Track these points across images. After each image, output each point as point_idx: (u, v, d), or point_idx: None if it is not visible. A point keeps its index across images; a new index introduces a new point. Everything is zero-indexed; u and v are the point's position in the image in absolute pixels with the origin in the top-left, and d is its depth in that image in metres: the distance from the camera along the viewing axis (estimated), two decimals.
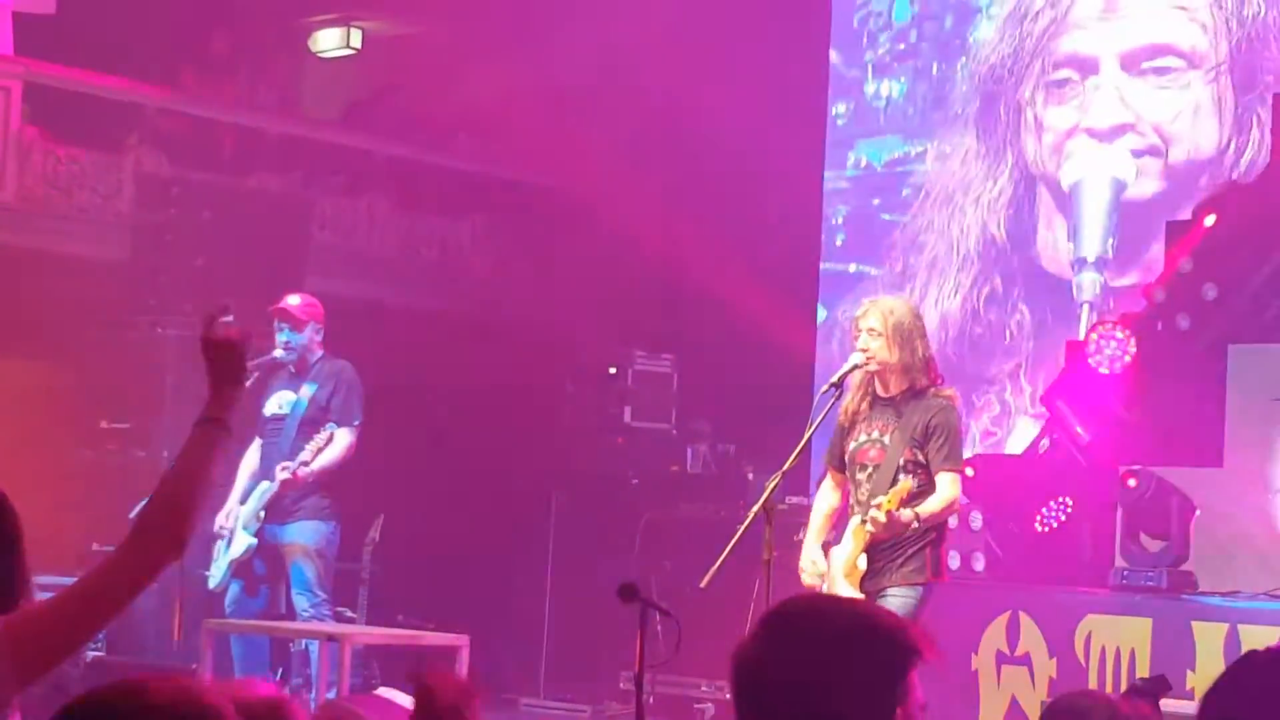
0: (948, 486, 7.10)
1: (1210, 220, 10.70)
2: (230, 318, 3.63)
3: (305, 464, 9.02)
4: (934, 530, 7.15)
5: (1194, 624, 8.82)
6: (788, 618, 2.60)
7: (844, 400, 7.37)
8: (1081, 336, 11.06)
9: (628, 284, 12.47)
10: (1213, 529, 9.87)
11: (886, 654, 2.54)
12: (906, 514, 6.93)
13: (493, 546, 11.93)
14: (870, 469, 7.17)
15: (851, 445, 7.28)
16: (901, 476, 7.05)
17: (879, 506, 6.91)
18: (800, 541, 8.38)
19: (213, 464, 3.38)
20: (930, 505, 7.03)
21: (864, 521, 6.99)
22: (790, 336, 12.39)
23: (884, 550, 7.06)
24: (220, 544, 9.15)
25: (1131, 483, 9.69)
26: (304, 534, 9.09)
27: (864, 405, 7.27)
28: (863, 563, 7.02)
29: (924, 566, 7.12)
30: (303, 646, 9.12)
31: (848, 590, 6.95)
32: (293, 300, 9.38)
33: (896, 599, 7.00)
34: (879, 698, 2.52)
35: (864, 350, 7.20)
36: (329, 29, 13.68)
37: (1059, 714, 3.78)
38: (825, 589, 7.01)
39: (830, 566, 7.14)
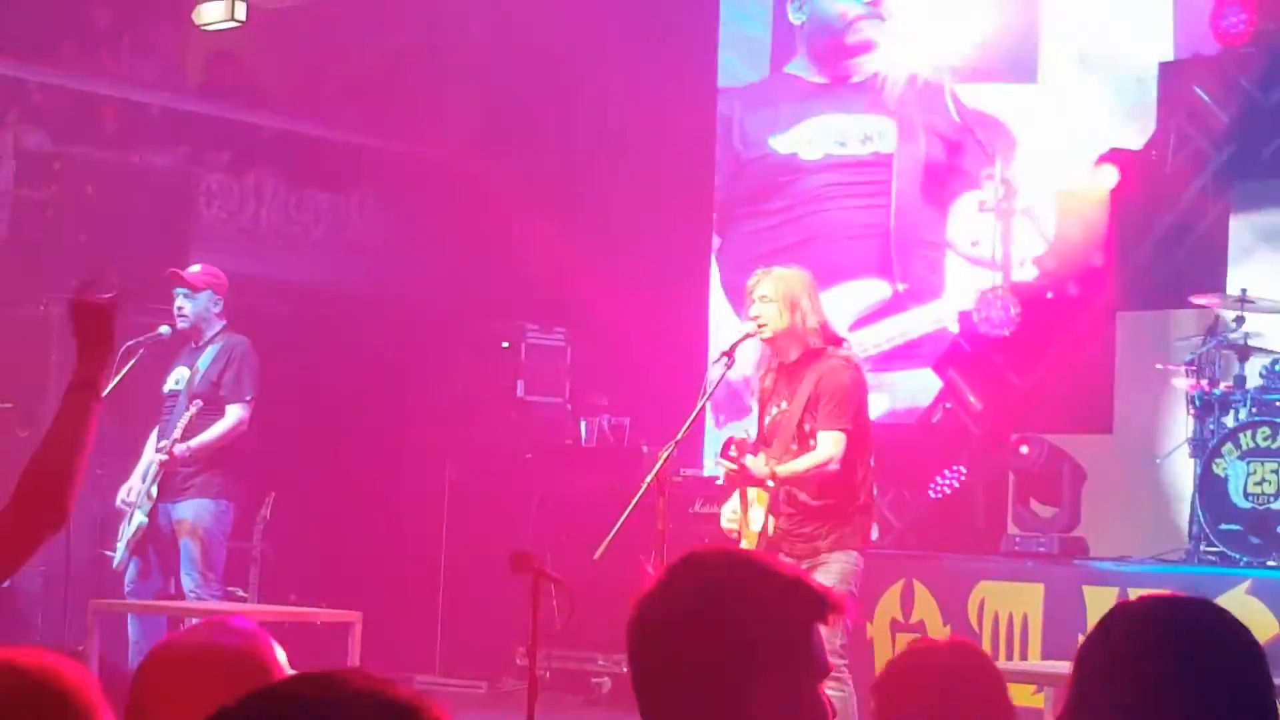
0: (826, 445, 7.03)
1: (1099, 188, 10.77)
2: (113, 293, 3.55)
3: (179, 441, 8.89)
4: (850, 496, 7.11)
5: (1085, 589, 8.90)
6: (690, 570, 2.53)
7: (752, 376, 7.35)
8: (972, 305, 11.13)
9: (521, 257, 12.39)
10: (1103, 494, 9.97)
11: (787, 605, 2.47)
12: (780, 472, 6.91)
13: (386, 523, 11.84)
14: (778, 439, 7.18)
15: (767, 420, 7.30)
16: (799, 443, 7.05)
17: (764, 468, 6.94)
18: (693, 514, 8.37)
19: (88, 430, 3.30)
20: (797, 463, 7.01)
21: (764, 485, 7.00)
22: (684, 308, 12.37)
23: (814, 515, 7.05)
24: (123, 523, 9.03)
25: (1024, 449, 9.77)
26: (192, 512, 8.96)
27: (769, 379, 7.28)
28: (756, 523, 7.00)
29: (855, 532, 7.12)
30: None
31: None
32: (193, 268, 9.31)
33: (836, 564, 6.99)
34: (784, 648, 2.45)
35: (755, 318, 7.17)
36: (213, 1, 13.47)
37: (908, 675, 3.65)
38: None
39: (744, 529, 7.14)
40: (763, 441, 7.31)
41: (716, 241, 12.85)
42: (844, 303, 12.25)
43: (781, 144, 12.70)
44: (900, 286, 12.19)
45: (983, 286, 11.24)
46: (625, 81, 12.28)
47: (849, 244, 12.34)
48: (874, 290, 12.30)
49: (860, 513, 7.16)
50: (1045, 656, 8.75)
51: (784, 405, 7.17)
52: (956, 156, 12.05)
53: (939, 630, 9.31)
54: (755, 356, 7.36)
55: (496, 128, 12.60)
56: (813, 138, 12.59)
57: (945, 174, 12.11)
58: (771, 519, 7.02)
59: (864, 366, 7.61)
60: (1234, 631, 2.45)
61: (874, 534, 10.40)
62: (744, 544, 7.01)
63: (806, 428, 7.07)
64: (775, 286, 7.15)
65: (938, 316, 11.93)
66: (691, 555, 2.59)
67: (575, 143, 12.59)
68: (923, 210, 12.19)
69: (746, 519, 7.02)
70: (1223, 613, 2.48)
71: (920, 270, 12.19)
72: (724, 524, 7.19)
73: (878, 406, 12.05)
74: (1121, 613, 2.49)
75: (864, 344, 12.23)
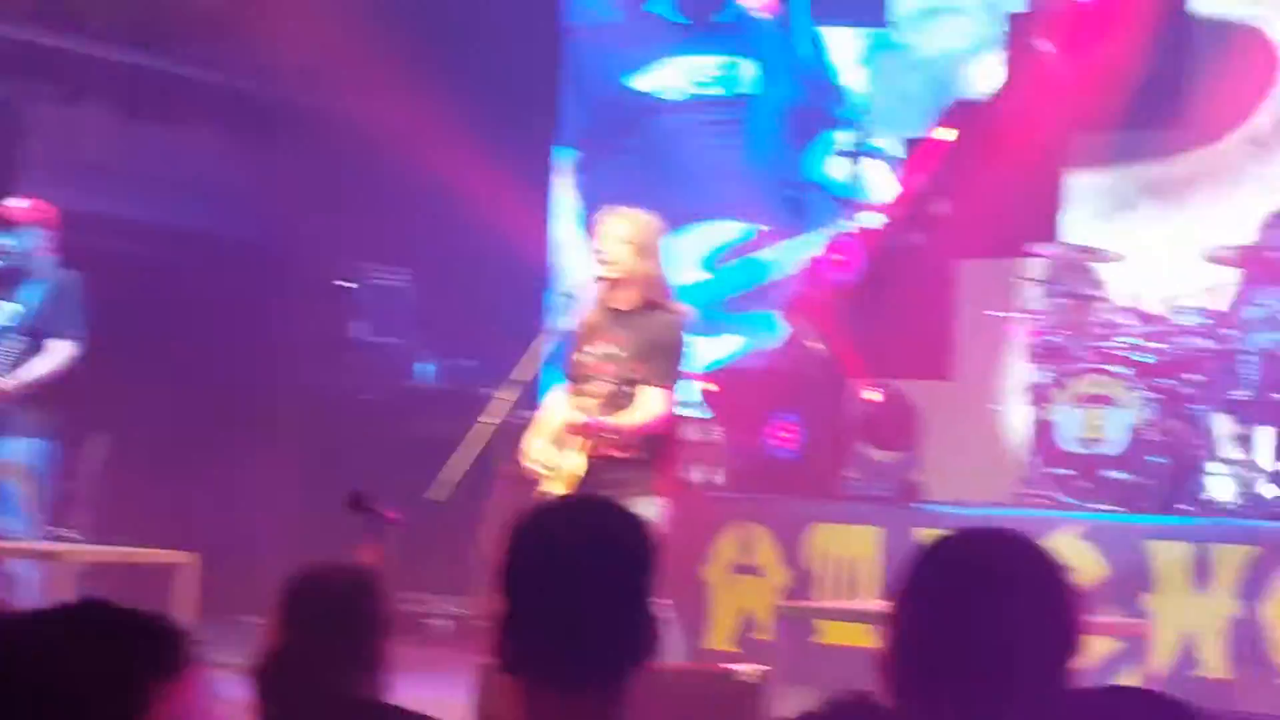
0: (652, 401, 7.02)
1: (946, 137, 10.87)
2: None
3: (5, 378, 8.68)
4: (661, 445, 7.10)
5: (920, 532, 8.98)
6: (540, 527, 2.66)
7: (582, 312, 7.31)
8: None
9: (361, 196, 12.25)
10: (942, 440, 10.09)
11: (637, 556, 2.64)
12: (608, 422, 6.91)
13: (220, 463, 11.68)
14: (597, 380, 7.13)
15: (583, 357, 7.24)
16: (624, 389, 7.03)
17: (584, 410, 6.92)
18: None
19: None
20: (629, 417, 6.99)
21: (578, 428, 6.99)
22: (526, 248, 12.31)
23: (612, 462, 7.02)
24: None
25: (873, 394, 9.82)
26: (19, 451, 8.76)
27: (600, 318, 7.22)
28: (577, 467, 7.00)
29: (661, 479, 7.09)
30: (15, 569, 8.80)
31: (561, 491, 6.93)
32: (15, 202, 9.01)
33: (643, 509, 6.95)
34: (633, 599, 2.61)
35: (607, 259, 7.14)
36: None
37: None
38: (544, 480, 7.04)
39: (555, 468, 7.09)
40: (573, 377, 7.28)
41: (576, 178, 12.82)
42: (703, 242, 12.30)
43: (641, 83, 12.69)
44: (761, 228, 12.25)
45: (834, 232, 11.33)
46: (468, 16, 12.17)
47: (709, 184, 12.36)
48: (733, 231, 12.36)
49: (668, 461, 7.17)
50: (881, 597, 8.83)
51: (612, 350, 7.13)
52: (819, 98, 12.13)
53: (777, 572, 9.37)
54: (592, 289, 7.31)
55: (337, 64, 12.41)
56: (673, 76, 12.59)
57: (808, 115, 12.18)
58: (584, 460, 7.00)
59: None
60: (1050, 562, 2.55)
61: (719, 477, 10.52)
62: (555, 486, 6.97)
63: (628, 374, 7.04)
64: (630, 230, 7.14)
65: (796, 258, 12.01)
66: (543, 511, 2.76)
67: (417, 79, 12.43)
68: (784, 151, 12.24)
69: (570, 468, 6.99)
70: (1038, 546, 2.57)
71: (782, 212, 12.25)
72: (530, 463, 7.13)
73: (730, 348, 12.15)
74: (941, 546, 2.58)
75: (728, 282, 12.30)
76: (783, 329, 11.43)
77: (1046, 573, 2.52)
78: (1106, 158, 10.87)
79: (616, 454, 6.99)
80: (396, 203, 12.16)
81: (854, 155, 11.33)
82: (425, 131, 11.99)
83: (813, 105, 12.12)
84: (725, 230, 12.34)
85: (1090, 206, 10.88)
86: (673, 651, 6.89)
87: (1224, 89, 10.42)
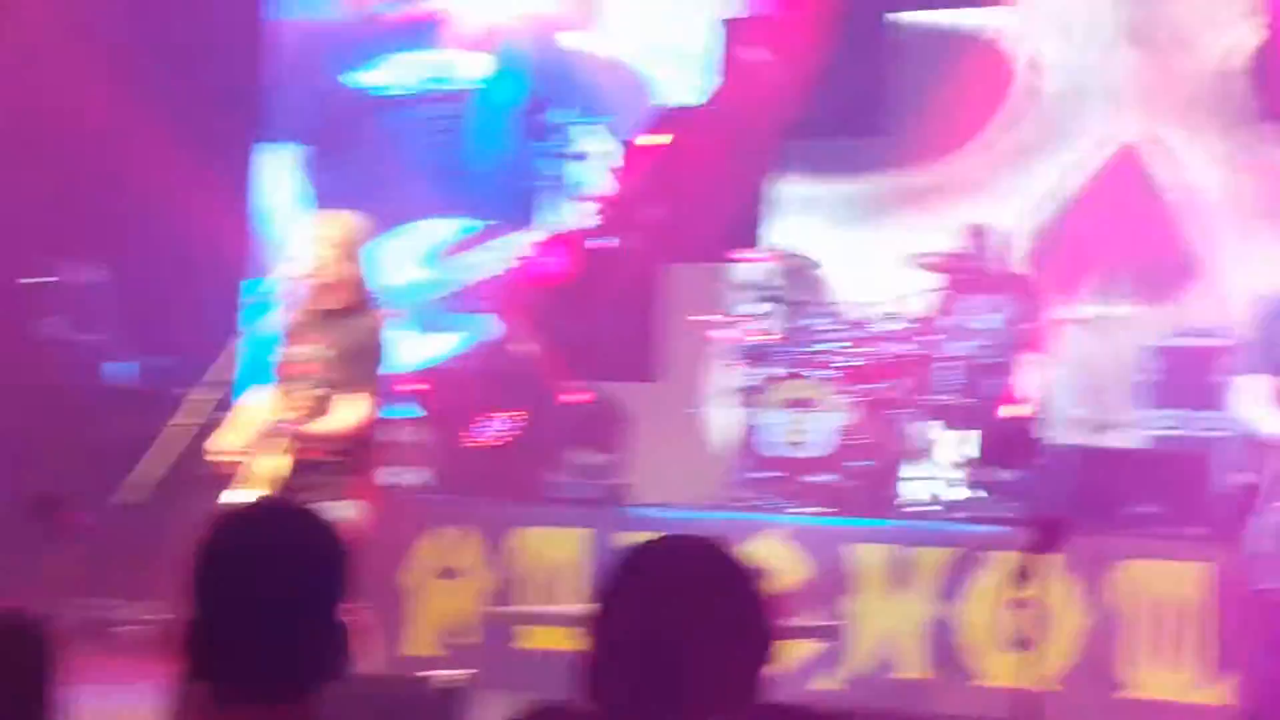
0: (351, 407, 7.01)
1: (658, 141, 10.94)
2: None
3: None
4: (361, 448, 7.05)
5: (626, 535, 8.97)
6: (228, 534, 2.64)
7: (288, 313, 7.25)
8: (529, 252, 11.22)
9: (54, 188, 11.85)
10: (647, 442, 10.13)
11: (327, 562, 2.63)
12: (307, 428, 6.90)
13: None
14: (299, 382, 7.06)
15: (289, 358, 7.17)
16: (331, 391, 6.96)
17: (290, 411, 6.91)
18: None
19: None
20: (327, 423, 6.97)
21: (278, 430, 6.94)
22: (227, 246, 12.07)
23: (311, 465, 6.95)
24: None
25: (577, 397, 9.84)
26: None
27: (306, 319, 7.19)
28: (277, 470, 6.91)
29: (360, 484, 7.05)
30: None
31: (257, 494, 6.81)
32: None
33: (338, 513, 6.86)
34: (323, 607, 2.58)
35: (314, 262, 7.11)
36: None
37: None
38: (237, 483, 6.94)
39: (251, 470, 6.97)
40: (278, 378, 7.19)
41: (296, 175, 12.61)
42: (424, 239, 12.20)
43: (364, 78, 12.54)
44: (481, 224, 12.18)
45: (546, 231, 11.37)
46: (167, 7, 11.87)
47: (432, 180, 12.27)
48: (454, 227, 12.28)
49: (367, 464, 7.15)
50: (586, 601, 8.80)
51: (317, 351, 7.09)
52: (545, 96, 12.11)
53: (481, 576, 9.28)
54: (297, 288, 7.24)
55: (33, 54, 12.00)
56: (395, 73, 12.47)
57: (532, 113, 12.15)
58: (286, 462, 6.90)
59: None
60: (747, 571, 2.62)
61: (427, 478, 10.41)
62: (256, 487, 6.85)
63: (329, 377, 7.00)
64: (336, 233, 7.16)
65: (511, 256, 11.98)
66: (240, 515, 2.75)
67: (114, 71, 12.08)
68: (508, 147, 12.18)
69: (270, 470, 6.88)
70: (734, 554, 2.64)
71: (503, 208, 12.19)
72: (213, 456, 7.05)
73: (446, 346, 12.06)
74: (639, 553, 2.67)
75: (445, 280, 12.21)
76: (495, 328, 11.39)
77: (743, 581, 2.57)
78: (815, 165, 11.03)
79: (317, 457, 6.95)
80: (93, 196, 11.79)
81: (572, 156, 11.36)
82: (123, 125, 11.69)
83: (538, 103, 12.10)
84: (446, 227, 12.26)
85: (799, 212, 11.03)
86: (372, 658, 6.79)
87: (958, 100, 10.63)
